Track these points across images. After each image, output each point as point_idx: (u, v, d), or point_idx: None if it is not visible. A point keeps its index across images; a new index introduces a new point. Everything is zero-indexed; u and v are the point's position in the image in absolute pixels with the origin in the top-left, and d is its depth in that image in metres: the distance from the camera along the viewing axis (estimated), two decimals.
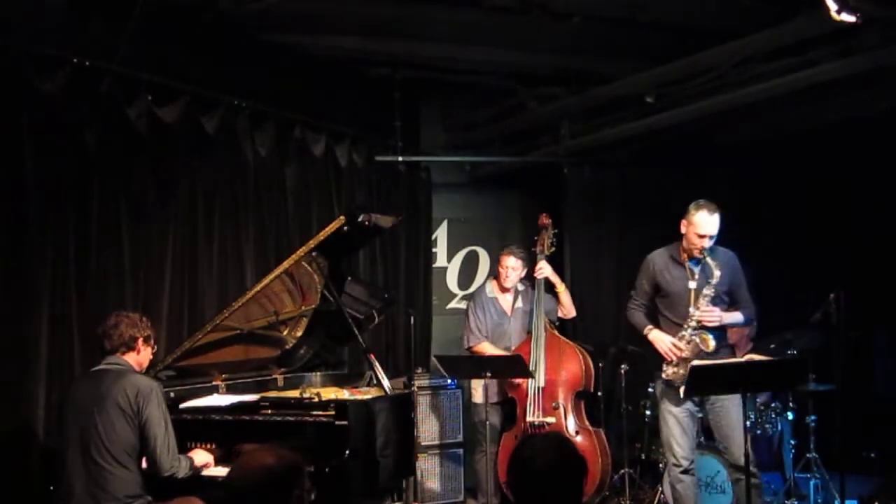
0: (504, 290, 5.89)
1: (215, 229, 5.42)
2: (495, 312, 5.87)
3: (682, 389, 4.62)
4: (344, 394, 4.67)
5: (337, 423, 4.04)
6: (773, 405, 5.78)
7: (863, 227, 6.70)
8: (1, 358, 4.26)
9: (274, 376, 5.05)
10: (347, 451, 3.99)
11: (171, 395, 4.28)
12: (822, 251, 6.81)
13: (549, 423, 5.49)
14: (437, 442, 6.04)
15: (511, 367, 5.35)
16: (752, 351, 5.65)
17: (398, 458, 4.40)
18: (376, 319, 5.24)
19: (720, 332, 4.72)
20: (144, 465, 3.84)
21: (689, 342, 4.65)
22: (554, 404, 5.54)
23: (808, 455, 5.59)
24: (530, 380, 5.51)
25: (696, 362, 4.40)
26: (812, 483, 5.58)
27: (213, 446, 4.22)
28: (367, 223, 4.66)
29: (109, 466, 3.71)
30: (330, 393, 4.66)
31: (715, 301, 4.67)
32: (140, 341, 3.96)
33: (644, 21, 5.61)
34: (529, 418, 5.52)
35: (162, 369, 4.43)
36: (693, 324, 4.65)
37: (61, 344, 4.50)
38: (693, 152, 7.00)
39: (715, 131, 7.02)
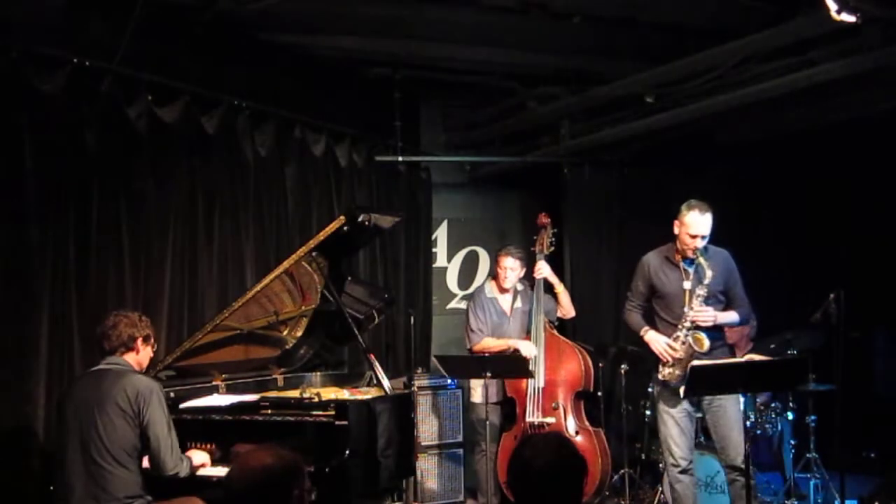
0: (503, 290, 5.89)
1: (215, 229, 5.41)
2: (495, 313, 5.87)
3: (681, 390, 4.63)
4: (344, 394, 4.67)
5: (337, 423, 4.04)
6: (773, 405, 5.78)
7: (862, 226, 6.70)
8: (1, 358, 4.26)
9: (274, 376, 5.05)
10: (347, 452, 3.99)
11: (171, 395, 4.28)
12: (821, 251, 6.81)
13: (548, 424, 5.49)
14: (436, 442, 6.03)
15: (511, 367, 5.35)
16: (752, 351, 5.66)
17: (398, 458, 4.40)
18: (376, 319, 5.25)
19: (715, 331, 4.72)
20: (146, 464, 3.85)
21: (683, 343, 4.65)
22: (553, 404, 5.54)
23: (808, 455, 5.59)
24: (530, 380, 5.51)
25: (696, 363, 4.40)
26: (812, 483, 5.58)
27: (213, 446, 4.22)
28: (367, 223, 4.66)
29: (109, 467, 3.71)
30: (330, 393, 4.66)
31: (710, 301, 4.67)
32: (139, 341, 3.96)
33: (644, 21, 5.62)
34: (529, 418, 5.52)
35: (162, 369, 4.43)
36: (687, 324, 4.65)
37: (61, 344, 4.49)
38: (693, 152, 7.00)
39: (715, 131, 7.02)
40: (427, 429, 5.98)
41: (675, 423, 4.75)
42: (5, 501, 4.21)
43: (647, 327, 4.87)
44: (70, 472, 3.74)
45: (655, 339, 4.77)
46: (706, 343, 4.56)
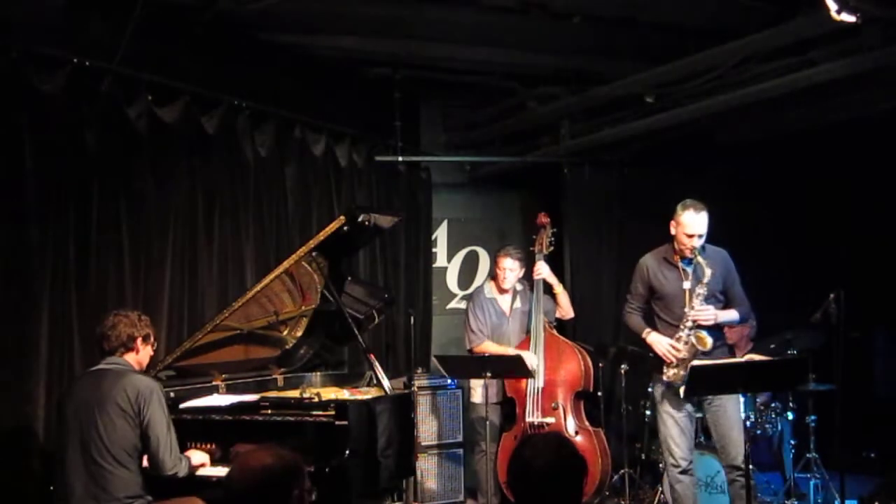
0: (502, 290, 5.89)
1: (215, 229, 5.41)
2: (494, 313, 5.87)
3: (681, 390, 4.62)
4: (344, 394, 4.67)
5: (337, 423, 4.03)
6: (773, 405, 5.78)
7: (862, 226, 6.69)
8: (1, 358, 4.26)
9: (274, 376, 5.05)
10: (347, 452, 3.99)
11: (171, 395, 4.28)
12: (821, 251, 6.81)
13: (548, 424, 5.49)
14: (436, 442, 6.04)
15: (511, 367, 5.35)
16: (752, 351, 5.66)
17: (398, 459, 4.40)
18: (376, 319, 5.25)
19: (716, 330, 4.73)
20: (146, 464, 3.85)
21: (686, 342, 4.65)
22: (553, 404, 5.54)
23: (808, 455, 5.60)
24: (530, 380, 5.51)
25: (695, 363, 4.40)
26: (812, 483, 5.58)
27: (213, 446, 4.21)
28: (367, 223, 4.66)
29: (110, 467, 3.72)
30: (330, 393, 4.66)
31: (709, 300, 4.67)
32: (139, 341, 3.96)
33: (644, 21, 5.62)
34: (529, 418, 5.52)
35: (162, 369, 4.43)
36: (689, 324, 4.65)
37: (61, 344, 4.49)
38: (693, 152, 7.00)
39: (715, 131, 7.02)
40: (427, 429, 5.98)
41: (675, 424, 4.75)
42: (5, 501, 4.21)
43: (648, 329, 4.86)
44: (70, 472, 3.74)
45: (658, 341, 4.77)
46: (709, 342, 4.56)
